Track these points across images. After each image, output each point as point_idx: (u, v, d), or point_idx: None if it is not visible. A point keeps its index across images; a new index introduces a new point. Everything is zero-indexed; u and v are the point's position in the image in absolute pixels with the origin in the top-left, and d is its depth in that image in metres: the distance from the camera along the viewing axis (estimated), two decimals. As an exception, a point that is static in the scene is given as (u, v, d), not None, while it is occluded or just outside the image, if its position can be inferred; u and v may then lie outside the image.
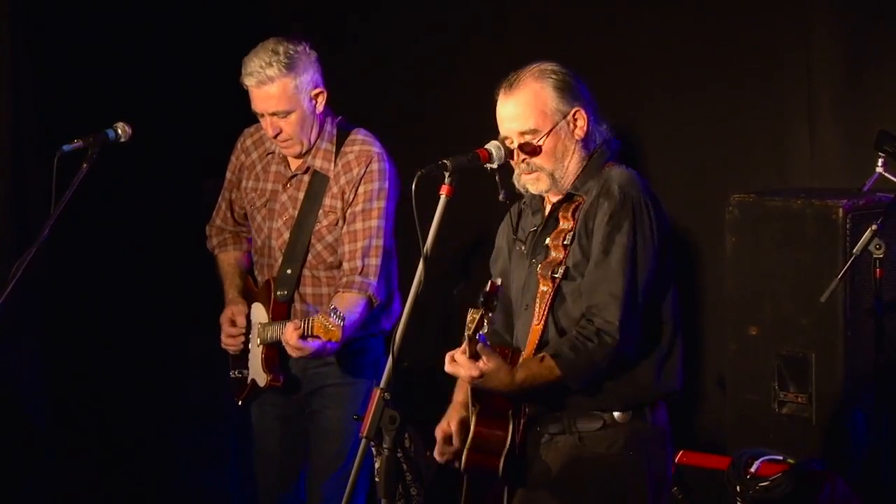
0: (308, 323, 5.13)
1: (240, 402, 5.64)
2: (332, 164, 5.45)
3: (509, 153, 4.35)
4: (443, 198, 4.19)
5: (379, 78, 7.34)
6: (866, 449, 5.54)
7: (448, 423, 4.48)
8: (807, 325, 5.69)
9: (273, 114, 5.33)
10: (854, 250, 5.27)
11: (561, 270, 4.30)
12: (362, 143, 5.47)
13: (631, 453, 4.34)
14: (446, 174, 4.20)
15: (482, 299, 4.04)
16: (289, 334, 5.20)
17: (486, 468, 4.32)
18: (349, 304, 5.31)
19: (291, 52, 5.34)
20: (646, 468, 4.38)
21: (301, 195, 5.48)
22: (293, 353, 5.24)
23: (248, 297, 5.62)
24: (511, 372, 4.19)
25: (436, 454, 4.49)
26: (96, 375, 6.83)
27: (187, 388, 6.70)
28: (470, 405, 4.37)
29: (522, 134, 4.35)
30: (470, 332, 4.09)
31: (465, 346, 4.13)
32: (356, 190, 5.40)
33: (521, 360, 4.29)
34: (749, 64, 6.33)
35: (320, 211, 5.44)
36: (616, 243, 4.27)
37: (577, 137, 4.40)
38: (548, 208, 4.48)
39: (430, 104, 7.15)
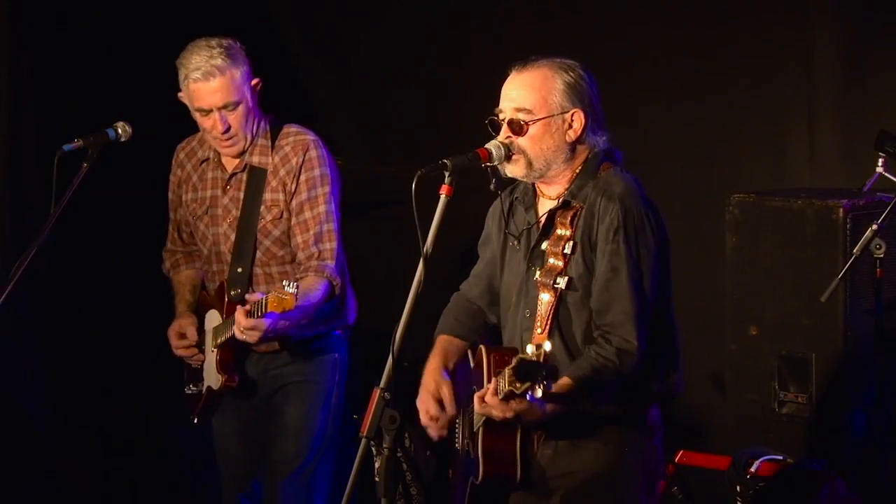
0: (260, 304, 5.03)
1: (195, 419, 5.58)
2: (269, 158, 5.40)
3: (497, 127, 4.35)
4: (443, 198, 4.18)
5: (381, 79, 7.34)
6: (866, 449, 5.54)
7: (428, 394, 4.46)
8: (807, 325, 5.69)
9: (223, 107, 5.27)
10: (854, 250, 5.27)
11: (562, 281, 4.29)
12: (296, 134, 5.43)
13: (626, 449, 4.35)
14: (446, 174, 4.19)
15: (542, 374, 3.92)
16: (239, 317, 5.09)
17: (503, 477, 4.32)
18: (308, 285, 5.23)
19: (226, 45, 5.29)
20: (640, 464, 4.39)
21: (242, 194, 5.42)
22: (248, 337, 5.11)
23: (203, 307, 5.55)
24: (542, 406, 4.16)
25: (430, 428, 4.46)
26: (96, 375, 6.83)
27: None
28: (476, 416, 4.36)
29: (516, 111, 4.34)
30: (517, 392, 3.98)
31: (494, 387, 4.10)
32: (297, 179, 5.36)
33: None
34: (749, 64, 6.33)
35: (262, 206, 5.39)
36: (623, 259, 4.26)
37: (567, 139, 4.37)
38: (540, 207, 4.47)
39: (431, 105, 7.15)
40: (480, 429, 4.32)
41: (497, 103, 4.38)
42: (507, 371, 4.02)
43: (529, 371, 3.92)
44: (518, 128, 4.32)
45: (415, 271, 4.15)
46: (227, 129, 5.30)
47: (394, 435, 4.12)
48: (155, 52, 6.98)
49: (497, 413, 4.12)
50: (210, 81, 5.24)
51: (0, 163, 6.58)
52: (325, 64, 7.44)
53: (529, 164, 4.35)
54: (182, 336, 5.53)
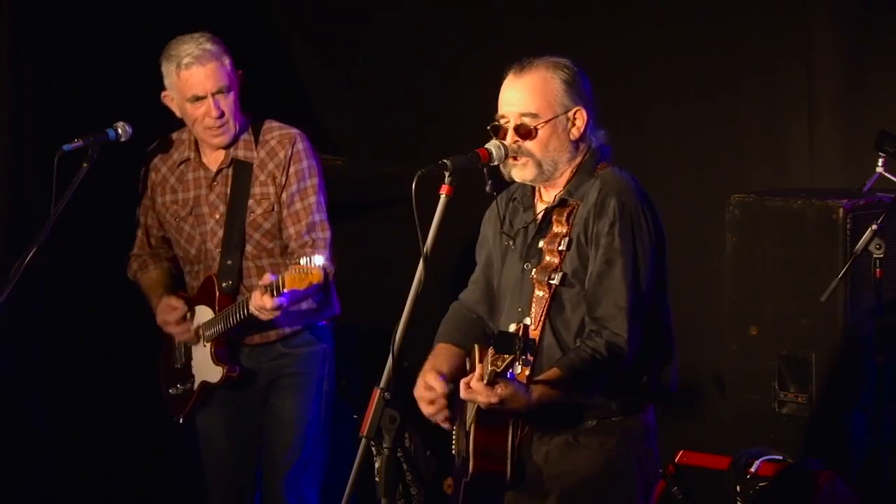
0: (277, 281, 5.04)
1: (181, 420, 5.59)
2: (255, 152, 5.43)
3: (502, 133, 4.34)
4: (443, 198, 4.18)
5: (381, 79, 7.34)
6: (866, 449, 5.54)
7: (419, 389, 4.45)
8: (807, 325, 5.69)
9: (217, 92, 5.31)
10: (854, 250, 5.28)
11: (557, 277, 4.30)
12: (280, 128, 5.48)
13: (623, 450, 4.36)
14: (446, 174, 4.19)
15: (519, 346, 3.99)
16: (258, 299, 5.11)
17: (493, 474, 4.33)
18: None
19: (209, 35, 5.37)
20: (636, 465, 4.40)
21: (228, 189, 5.45)
22: (267, 316, 5.16)
23: (187, 306, 5.53)
24: (527, 393, 4.18)
25: (427, 408, 4.44)
26: (96, 375, 6.83)
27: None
28: (468, 413, 4.36)
29: (522, 115, 4.35)
30: (499, 370, 4.04)
31: (480, 373, 4.10)
32: (287, 171, 5.40)
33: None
34: (749, 64, 6.34)
35: (251, 200, 5.41)
36: (618, 253, 4.27)
37: (572, 136, 4.39)
38: (538, 207, 4.48)
39: (431, 105, 7.15)
40: (472, 425, 4.32)
41: (496, 106, 4.39)
42: (489, 353, 4.06)
43: (507, 342, 4.00)
44: (526, 132, 4.34)
45: (415, 271, 4.15)
46: (221, 115, 5.33)
47: (394, 435, 4.12)
48: (155, 52, 6.98)
49: (482, 398, 4.11)
50: (205, 65, 5.30)
51: (0, 163, 6.57)
52: (325, 64, 7.44)
53: (539, 166, 4.37)
54: (173, 309, 5.48)
